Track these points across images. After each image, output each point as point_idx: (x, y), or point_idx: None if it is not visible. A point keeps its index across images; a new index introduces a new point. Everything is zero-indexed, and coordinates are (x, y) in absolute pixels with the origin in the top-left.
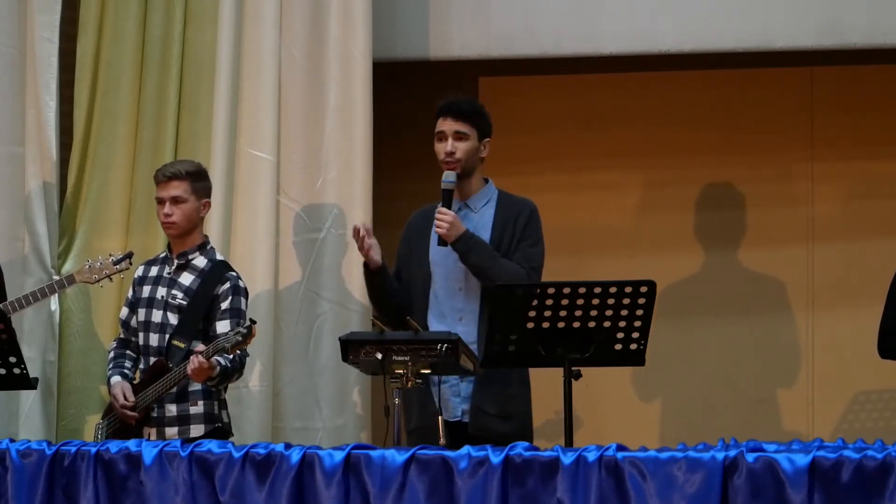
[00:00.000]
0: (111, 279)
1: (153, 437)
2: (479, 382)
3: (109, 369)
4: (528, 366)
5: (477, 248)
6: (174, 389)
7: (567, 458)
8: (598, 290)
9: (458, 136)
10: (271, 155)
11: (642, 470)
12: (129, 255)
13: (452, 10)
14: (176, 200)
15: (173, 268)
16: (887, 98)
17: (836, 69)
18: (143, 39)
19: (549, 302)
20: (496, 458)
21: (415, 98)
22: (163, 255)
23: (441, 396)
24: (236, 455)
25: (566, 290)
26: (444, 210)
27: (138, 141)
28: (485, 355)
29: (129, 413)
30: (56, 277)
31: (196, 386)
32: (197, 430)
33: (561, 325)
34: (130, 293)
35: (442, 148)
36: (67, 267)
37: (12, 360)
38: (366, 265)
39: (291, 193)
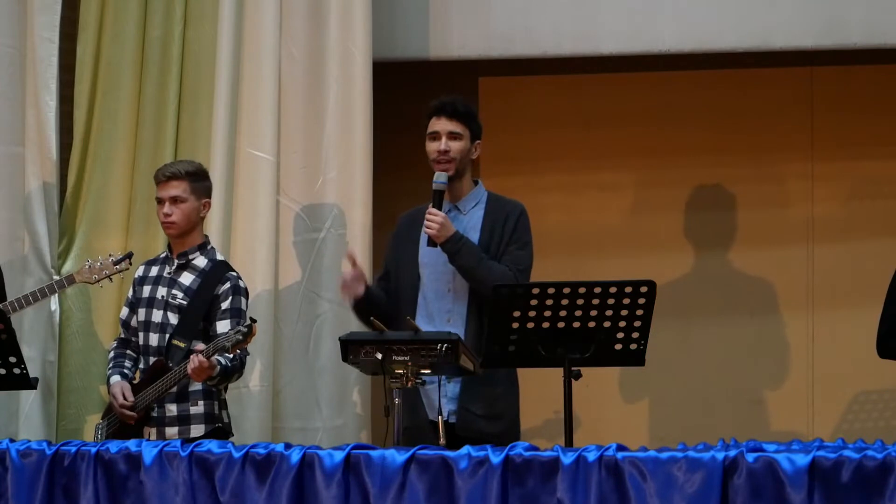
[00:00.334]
0: (111, 279)
1: (153, 437)
2: (465, 383)
3: (109, 369)
4: (528, 366)
5: (466, 249)
6: (174, 389)
7: (567, 458)
8: (598, 290)
9: (452, 136)
10: (271, 155)
11: (642, 470)
12: (128, 256)
13: (452, 10)
14: (175, 200)
15: (173, 268)
16: (887, 98)
17: (836, 69)
18: (143, 39)
19: (549, 302)
20: (496, 457)
21: (415, 98)
22: (163, 255)
23: (429, 397)
24: (236, 455)
25: (566, 290)
26: (435, 211)
27: (138, 141)
28: (485, 355)
29: (128, 413)
30: (56, 277)
31: (196, 386)
32: (197, 429)
33: (561, 325)
34: (131, 293)
35: (435, 147)
36: (67, 267)
37: (12, 360)
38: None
39: (291, 193)
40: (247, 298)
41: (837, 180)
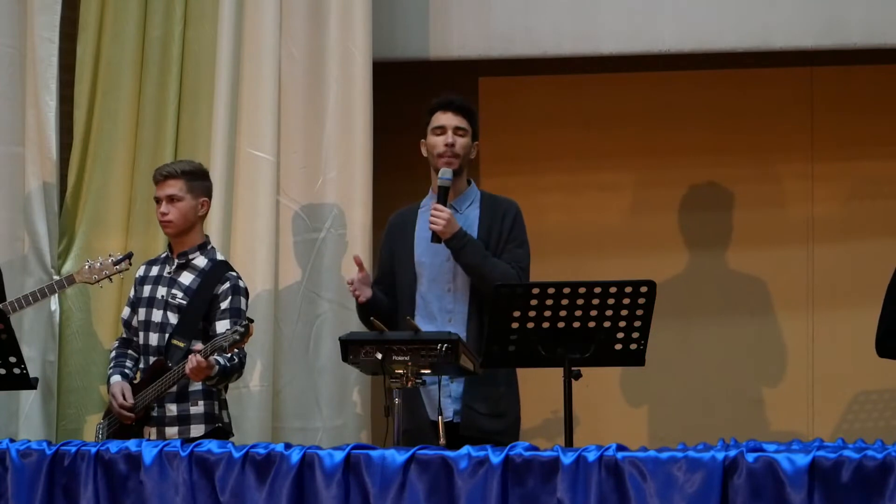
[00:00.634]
0: (111, 279)
1: (153, 437)
2: (468, 383)
3: (110, 368)
4: (528, 366)
5: (470, 246)
6: (174, 389)
7: (567, 458)
8: (598, 290)
9: (458, 132)
10: (271, 155)
11: (642, 470)
12: (128, 256)
13: (452, 10)
14: (172, 199)
15: (173, 267)
16: (887, 98)
17: (836, 69)
18: (143, 39)
19: (549, 302)
20: (496, 457)
21: (415, 98)
22: (164, 254)
23: (431, 398)
24: (236, 455)
25: (566, 290)
26: (440, 206)
27: (138, 141)
28: (485, 355)
29: (126, 413)
30: (56, 277)
31: (196, 386)
32: (197, 429)
33: (561, 325)
34: (132, 293)
35: (441, 141)
36: (67, 267)
37: (12, 360)
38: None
39: (291, 193)
40: (247, 298)
41: (837, 180)
